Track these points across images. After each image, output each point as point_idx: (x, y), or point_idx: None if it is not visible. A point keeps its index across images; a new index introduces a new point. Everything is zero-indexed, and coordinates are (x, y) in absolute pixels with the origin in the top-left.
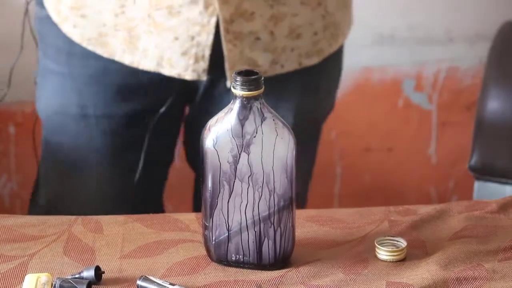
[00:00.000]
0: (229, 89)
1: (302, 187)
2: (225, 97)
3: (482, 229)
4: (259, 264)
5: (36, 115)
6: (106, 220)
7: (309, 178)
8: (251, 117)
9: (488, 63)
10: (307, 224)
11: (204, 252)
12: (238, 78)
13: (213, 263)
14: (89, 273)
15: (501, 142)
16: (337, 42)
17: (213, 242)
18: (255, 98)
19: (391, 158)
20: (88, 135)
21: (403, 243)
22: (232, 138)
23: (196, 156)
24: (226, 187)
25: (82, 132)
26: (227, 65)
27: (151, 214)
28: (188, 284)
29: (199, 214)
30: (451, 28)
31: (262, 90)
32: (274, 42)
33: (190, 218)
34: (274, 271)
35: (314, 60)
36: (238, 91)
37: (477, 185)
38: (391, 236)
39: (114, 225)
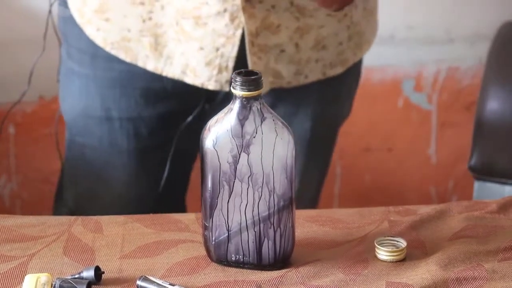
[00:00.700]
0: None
1: (317, 189)
2: None
3: (482, 229)
4: (259, 264)
5: (58, 116)
6: (106, 220)
7: (324, 181)
8: (250, 117)
9: (488, 63)
10: (307, 224)
11: (204, 253)
12: (238, 78)
13: (213, 263)
14: (89, 273)
15: (501, 142)
16: (361, 51)
17: (213, 242)
18: (255, 98)
19: (391, 158)
20: (113, 138)
21: (403, 243)
22: (232, 138)
23: None
24: (226, 187)
25: (106, 135)
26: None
27: (151, 214)
28: (188, 284)
29: (199, 215)
30: (451, 28)
31: (261, 90)
32: (298, 53)
33: (190, 219)
34: (274, 271)
35: (338, 70)
36: (238, 91)
37: (477, 185)
38: (391, 236)
39: (114, 225)
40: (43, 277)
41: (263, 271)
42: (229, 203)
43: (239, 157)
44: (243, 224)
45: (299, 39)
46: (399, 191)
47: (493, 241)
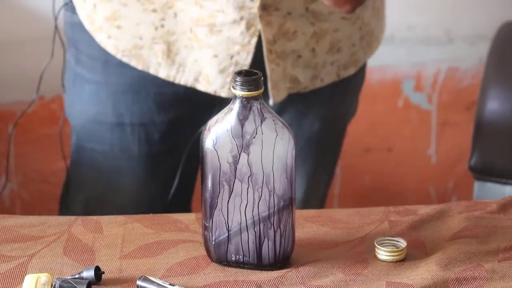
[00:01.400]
0: (281, 111)
1: (325, 191)
2: None
3: (482, 229)
4: (259, 265)
5: (63, 120)
6: (106, 220)
7: (331, 182)
8: (251, 117)
9: (488, 63)
10: (307, 224)
11: (204, 253)
12: (238, 78)
13: (213, 263)
14: (89, 274)
15: (501, 142)
16: (371, 50)
17: (213, 243)
18: (255, 98)
19: (391, 158)
20: (124, 143)
21: (403, 243)
22: (232, 138)
23: None
24: (226, 187)
25: (117, 140)
26: (270, 84)
27: (151, 215)
28: (188, 284)
29: (199, 215)
30: (451, 28)
31: (262, 90)
32: (315, 58)
33: (190, 219)
34: (274, 272)
35: (351, 71)
36: (238, 91)
37: (477, 185)
38: (391, 237)
39: (114, 225)
40: (43, 277)
41: (263, 271)
42: (229, 203)
43: (239, 157)
44: (243, 224)
45: (315, 44)
46: (399, 191)
47: (493, 241)
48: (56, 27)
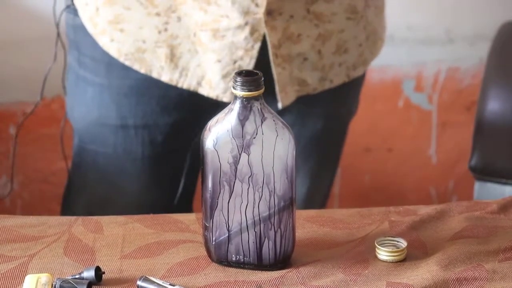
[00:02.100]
0: (279, 110)
1: (328, 190)
2: None
3: (482, 230)
4: (260, 265)
5: (64, 120)
6: (106, 220)
7: (333, 181)
8: (251, 117)
9: (488, 63)
10: (307, 224)
11: (204, 253)
12: (238, 79)
13: (213, 263)
14: (89, 274)
15: (501, 142)
16: (376, 49)
17: (213, 243)
18: (255, 98)
19: (391, 158)
20: (127, 145)
21: (403, 243)
22: (232, 138)
23: None
24: (226, 187)
25: (120, 142)
26: (277, 88)
27: (151, 215)
28: (189, 284)
29: (199, 215)
30: (451, 28)
31: (262, 90)
32: (322, 60)
33: (190, 219)
34: (274, 272)
35: (361, 71)
36: (238, 91)
37: (477, 185)
38: (391, 237)
39: (114, 225)
40: (44, 277)
41: (263, 272)
42: (229, 204)
43: (240, 157)
44: (244, 224)
45: (321, 46)
46: (399, 191)
47: (494, 242)
48: (58, 34)
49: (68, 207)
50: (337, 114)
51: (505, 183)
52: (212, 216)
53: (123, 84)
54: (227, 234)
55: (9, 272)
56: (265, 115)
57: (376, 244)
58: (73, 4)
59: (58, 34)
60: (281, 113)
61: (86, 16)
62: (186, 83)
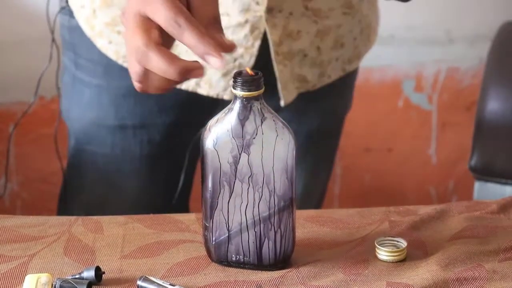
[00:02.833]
0: (281, 107)
1: (324, 188)
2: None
3: (482, 230)
4: (260, 265)
5: (58, 122)
6: (107, 220)
7: (329, 179)
8: (251, 117)
9: (488, 63)
10: (307, 224)
11: (204, 253)
12: (238, 79)
13: (213, 263)
14: (89, 274)
15: (501, 142)
16: (370, 42)
17: (213, 243)
18: (255, 98)
19: (391, 158)
20: (126, 145)
21: (403, 243)
22: (232, 138)
23: None
24: (226, 187)
25: (118, 143)
26: (279, 85)
27: (151, 215)
28: (189, 284)
29: (199, 215)
30: (451, 28)
31: (262, 90)
32: (320, 56)
33: (191, 219)
34: (274, 272)
35: (355, 65)
36: (238, 91)
37: (477, 185)
38: (391, 237)
39: (114, 225)
40: (44, 277)
41: (263, 272)
42: (229, 203)
43: (240, 157)
44: (244, 224)
45: (320, 42)
46: (399, 191)
47: (494, 241)
48: (52, 35)
49: (65, 208)
50: (334, 109)
51: (505, 183)
52: (212, 216)
53: (122, 85)
54: (227, 234)
55: (9, 272)
56: (265, 115)
57: (376, 244)
58: (68, 5)
59: (53, 35)
60: (278, 110)
61: (82, 18)
62: (185, 84)
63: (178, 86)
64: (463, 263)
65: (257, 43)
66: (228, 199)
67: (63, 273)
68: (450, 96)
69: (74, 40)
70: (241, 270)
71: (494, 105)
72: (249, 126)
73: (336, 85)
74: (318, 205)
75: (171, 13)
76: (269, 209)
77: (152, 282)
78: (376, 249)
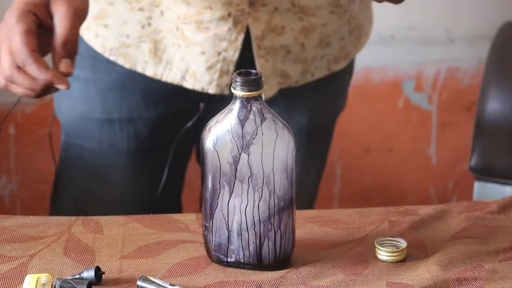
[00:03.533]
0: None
1: (315, 187)
2: None
3: (482, 230)
4: (259, 265)
5: (52, 119)
6: (106, 220)
7: (321, 178)
8: (251, 117)
9: (488, 63)
10: (307, 224)
11: (204, 253)
12: (238, 79)
13: (213, 263)
14: (89, 274)
15: (501, 143)
16: (361, 43)
17: (213, 243)
18: (255, 98)
19: (391, 159)
20: (113, 139)
21: (403, 243)
22: (232, 138)
23: None
24: (226, 187)
25: (106, 137)
26: None
27: (151, 215)
28: (188, 284)
29: (199, 215)
30: (451, 28)
31: (262, 90)
32: (304, 53)
33: (190, 219)
34: (274, 272)
35: (342, 64)
36: (238, 91)
37: (477, 185)
38: (391, 237)
39: (114, 225)
40: (44, 277)
41: (263, 272)
42: (229, 204)
43: (240, 157)
44: (244, 224)
45: (304, 39)
46: (399, 191)
47: (494, 242)
48: None
49: (56, 202)
50: (322, 108)
51: (505, 183)
52: (212, 216)
53: (108, 79)
54: (227, 234)
55: (9, 272)
56: (265, 115)
57: (376, 244)
58: None
59: None
60: None
61: None
62: (170, 77)
63: (164, 79)
64: (463, 263)
65: (241, 37)
66: (228, 199)
67: (63, 273)
68: (450, 96)
69: None
70: (241, 270)
71: (494, 105)
72: (249, 126)
73: (322, 84)
74: (309, 206)
75: (22, 46)
76: (269, 209)
77: (152, 282)
78: (376, 249)
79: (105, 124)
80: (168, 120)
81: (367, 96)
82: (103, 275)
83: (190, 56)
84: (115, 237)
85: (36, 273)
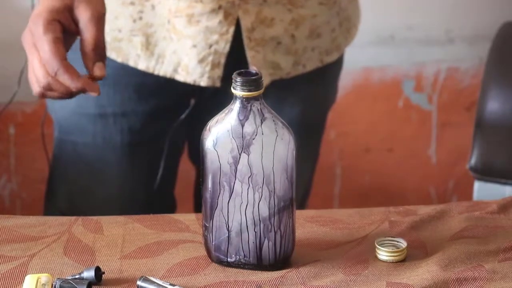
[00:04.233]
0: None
1: (308, 182)
2: None
3: (482, 230)
4: (259, 265)
5: (43, 117)
6: (106, 220)
7: (314, 173)
8: (251, 117)
9: (488, 63)
10: (307, 224)
11: (204, 253)
12: (238, 79)
13: (213, 263)
14: (89, 274)
15: (501, 142)
16: (350, 35)
17: (213, 243)
18: (255, 98)
19: (391, 159)
20: (106, 134)
21: (403, 243)
22: (232, 138)
23: (199, 152)
24: (226, 187)
25: (99, 131)
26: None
27: (151, 215)
28: (188, 284)
29: (199, 215)
30: (451, 28)
31: (262, 90)
32: (295, 44)
33: (191, 219)
34: (274, 272)
35: (334, 56)
36: (238, 91)
37: (477, 185)
38: (391, 237)
39: (114, 225)
40: (44, 277)
41: (263, 272)
42: (229, 204)
43: (240, 157)
44: (244, 224)
45: (294, 30)
46: (399, 191)
47: (494, 242)
48: None
49: (50, 199)
50: (314, 100)
51: (505, 183)
52: (212, 216)
53: None
54: (227, 234)
55: (9, 272)
56: (265, 115)
57: (376, 244)
58: None
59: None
60: None
61: None
62: (163, 70)
63: (156, 73)
64: (463, 263)
65: (232, 29)
66: (228, 199)
67: (63, 273)
68: (450, 96)
69: None
70: (241, 270)
71: (494, 105)
72: (249, 126)
73: (314, 76)
74: (302, 202)
75: (52, 57)
76: (269, 209)
77: (152, 282)
78: (376, 249)
79: (99, 119)
80: (161, 114)
81: (367, 96)
82: (103, 275)
83: (181, 49)
84: (115, 237)
85: (36, 273)
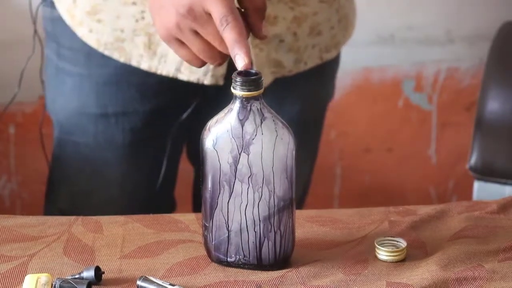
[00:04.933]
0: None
1: (307, 181)
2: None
3: (482, 230)
4: (259, 265)
5: (42, 117)
6: (106, 220)
7: (313, 172)
8: (251, 117)
9: (488, 63)
10: (307, 224)
11: (204, 253)
12: (238, 79)
13: (213, 263)
14: (89, 274)
15: (501, 142)
16: (348, 33)
17: (213, 243)
18: (255, 98)
19: (391, 159)
20: (108, 134)
21: (403, 243)
22: (232, 138)
23: (198, 153)
24: (226, 187)
25: (101, 131)
26: (255, 68)
27: (151, 215)
28: (188, 284)
29: (199, 215)
30: (451, 28)
31: (262, 90)
32: (297, 42)
33: (190, 219)
34: (274, 272)
35: (333, 53)
36: (238, 91)
37: (477, 185)
38: (391, 237)
39: (114, 225)
40: (43, 277)
41: (263, 272)
42: (229, 204)
43: (239, 157)
44: (243, 224)
45: (296, 28)
46: (399, 191)
47: (493, 241)
48: (35, 30)
49: (51, 199)
50: (313, 97)
51: (505, 183)
52: (212, 216)
53: (103, 73)
54: (227, 234)
55: (9, 272)
56: (265, 115)
57: (376, 244)
58: None
59: (35, 26)
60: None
61: (63, 8)
62: (165, 70)
63: (159, 72)
64: (463, 263)
65: None
66: (228, 199)
67: (63, 273)
68: (450, 96)
69: (57, 30)
70: (241, 270)
71: (494, 105)
72: (249, 126)
73: (314, 73)
74: (301, 200)
75: (225, 10)
76: (268, 209)
77: (152, 282)
78: (376, 249)
79: (100, 119)
80: (163, 113)
81: (367, 96)
82: (103, 275)
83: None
84: (115, 237)
85: (36, 273)
